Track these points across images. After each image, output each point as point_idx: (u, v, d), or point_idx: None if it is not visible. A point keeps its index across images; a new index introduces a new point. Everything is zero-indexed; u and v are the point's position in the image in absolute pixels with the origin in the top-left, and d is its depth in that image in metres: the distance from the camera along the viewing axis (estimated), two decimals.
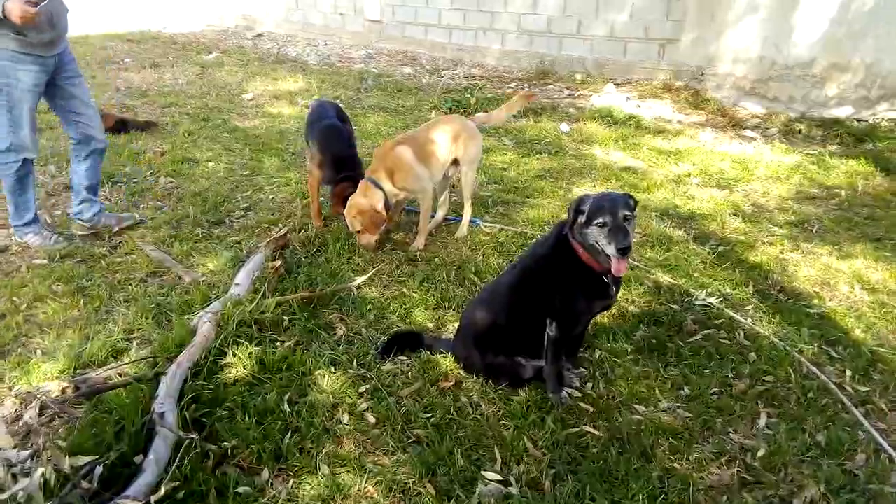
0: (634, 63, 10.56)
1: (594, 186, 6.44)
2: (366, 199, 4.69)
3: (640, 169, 7.07)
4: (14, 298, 4.00)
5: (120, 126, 7.33)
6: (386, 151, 4.86)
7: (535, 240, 4.32)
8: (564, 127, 8.50)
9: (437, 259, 4.81)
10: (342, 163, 5.04)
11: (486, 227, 5.41)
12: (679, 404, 3.34)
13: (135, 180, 6.05)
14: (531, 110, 9.17)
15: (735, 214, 5.86)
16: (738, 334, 3.98)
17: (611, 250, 2.92)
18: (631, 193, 3.14)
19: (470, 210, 5.31)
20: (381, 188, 4.76)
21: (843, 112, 8.62)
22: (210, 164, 6.62)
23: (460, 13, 12.47)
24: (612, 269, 2.98)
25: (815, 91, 8.79)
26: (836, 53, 8.46)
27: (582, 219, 3.02)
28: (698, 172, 7.02)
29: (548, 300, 3.23)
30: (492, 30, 12.11)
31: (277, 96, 9.69)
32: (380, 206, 4.71)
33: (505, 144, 7.85)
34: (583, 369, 3.59)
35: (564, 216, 3.26)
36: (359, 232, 4.74)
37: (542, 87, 10.78)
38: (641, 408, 3.31)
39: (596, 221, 2.95)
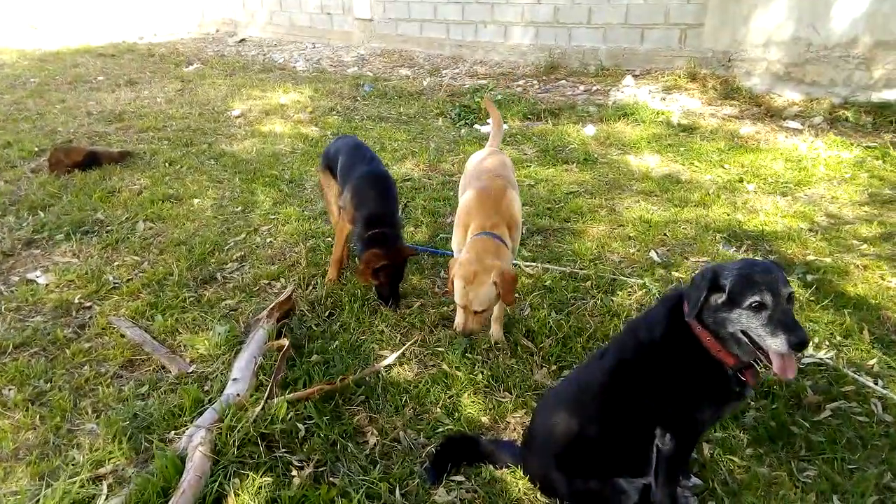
0: (653, 52, 9.68)
1: (637, 202, 5.58)
2: (501, 260, 3.36)
3: (683, 176, 6.21)
4: None
5: (90, 160, 6.36)
6: (499, 196, 3.67)
7: (630, 320, 3.48)
8: (589, 129, 7.63)
9: None
10: (378, 220, 4.05)
11: (525, 266, 4.54)
12: None
13: (108, 229, 5.11)
14: (548, 111, 8.31)
15: (812, 230, 5.01)
16: (875, 406, 3.15)
17: (777, 344, 2.07)
18: (778, 262, 2.26)
19: None
20: (506, 246, 3.54)
21: (893, 95, 7.75)
22: (195, 200, 5.70)
23: (458, 6, 11.55)
24: (776, 369, 2.11)
25: (858, 73, 7.93)
26: (881, 30, 7.60)
27: (720, 298, 2.18)
28: (751, 177, 6.17)
29: (658, 404, 2.38)
30: (493, 23, 11.21)
31: (268, 111, 8.74)
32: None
33: (526, 154, 6.97)
34: (697, 480, 2.74)
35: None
36: (478, 313, 3.35)
37: (554, 83, 9.90)
38: None
39: (748, 303, 2.10)
